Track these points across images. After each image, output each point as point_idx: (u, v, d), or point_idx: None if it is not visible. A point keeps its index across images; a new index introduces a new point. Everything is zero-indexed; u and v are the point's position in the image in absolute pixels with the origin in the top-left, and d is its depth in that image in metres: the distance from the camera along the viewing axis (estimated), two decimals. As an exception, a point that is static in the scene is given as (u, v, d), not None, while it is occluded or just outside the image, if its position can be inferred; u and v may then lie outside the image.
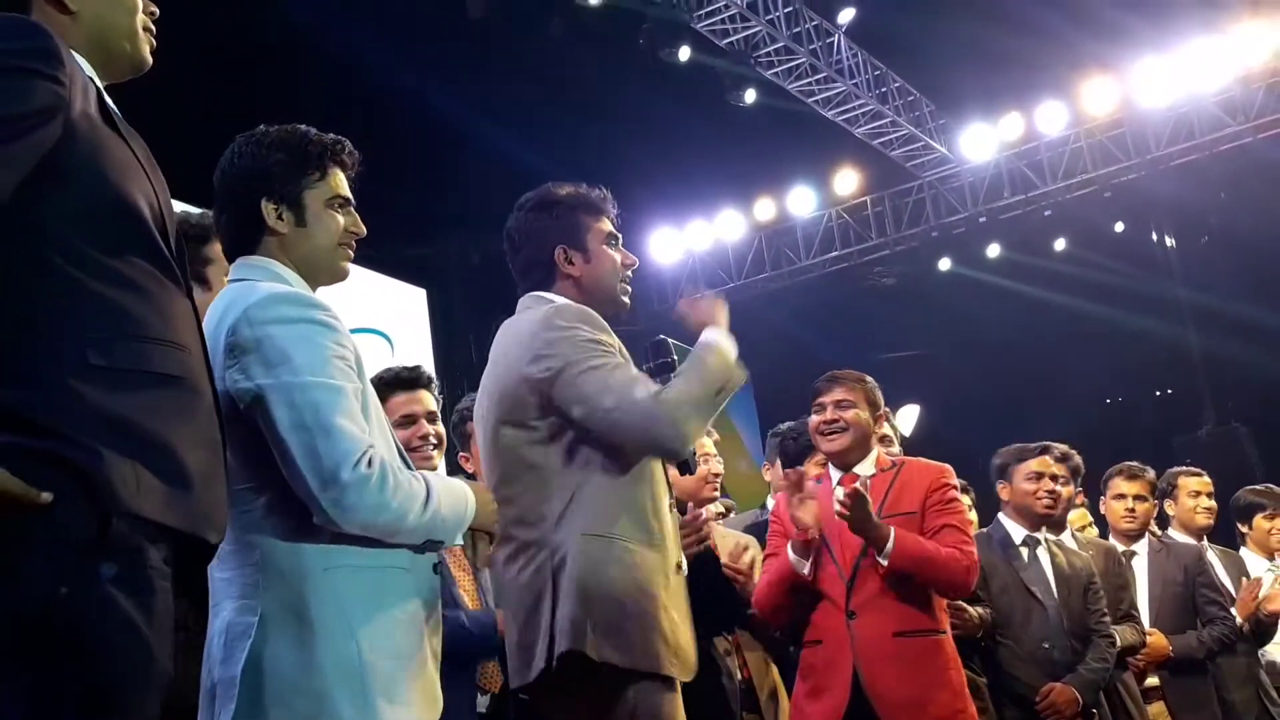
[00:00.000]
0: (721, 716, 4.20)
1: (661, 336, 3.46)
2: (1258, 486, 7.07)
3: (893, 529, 4.07)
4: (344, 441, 2.40)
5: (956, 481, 4.46)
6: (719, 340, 3.17)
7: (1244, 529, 6.97)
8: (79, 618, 1.88)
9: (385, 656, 2.44)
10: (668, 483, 3.31)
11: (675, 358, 3.37)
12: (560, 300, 3.29)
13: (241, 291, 2.56)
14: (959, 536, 4.22)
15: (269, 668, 2.37)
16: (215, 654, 2.44)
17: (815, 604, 4.22)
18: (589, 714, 3.05)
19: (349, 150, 2.77)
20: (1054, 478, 5.31)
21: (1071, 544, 5.48)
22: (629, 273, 3.40)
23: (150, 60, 2.33)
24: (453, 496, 2.56)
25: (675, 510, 3.27)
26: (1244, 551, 6.89)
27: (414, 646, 2.51)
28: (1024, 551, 5.25)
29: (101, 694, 1.91)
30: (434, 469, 3.87)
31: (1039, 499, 5.28)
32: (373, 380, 4.15)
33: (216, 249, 3.19)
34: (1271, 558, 6.84)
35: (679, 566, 3.16)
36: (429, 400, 3.97)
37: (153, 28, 2.34)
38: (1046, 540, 5.30)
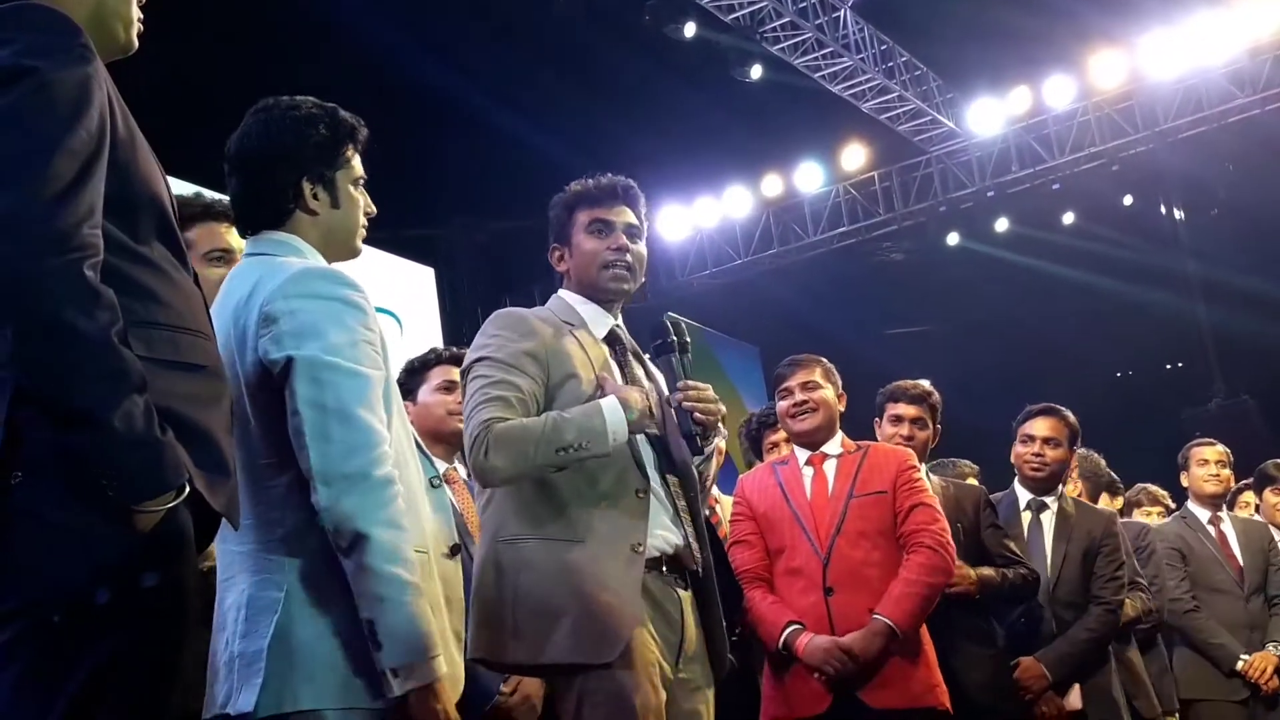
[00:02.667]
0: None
1: (666, 317, 3.44)
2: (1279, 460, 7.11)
3: (882, 619, 4.06)
4: (358, 432, 2.40)
5: (917, 464, 4.50)
6: (610, 406, 3.10)
7: (1258, 500, 7.04)
8: (148, 599, 1.95)
9: None
10: (665, 465, 3.29)
11: (675, 338, 3.33)
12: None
13: (270, 265, 2.56)
14: (930, 513, 4.29)
15: (297, 643, 2.38)
16: (234, 627, 2.44)
17: (792, 583, 4.25)
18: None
19: (365, 129, 2.78)
20: (1046, 440, 5.26)
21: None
22: None
23: (136, 45, 2.32)
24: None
25: (647, 493, 3.20)
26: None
27: (437, 626, 2.52)
28: (1026, 517, 5.24)
29: (165, 665, 1.99)
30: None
31: (1027, 463, 5.27)
32: (420, 359, 4.26)
33: (195, 234, 3.20)
34: None
35: (634, 549, 3.11)
36: None
37: (141, 15, 2.34)
38: (1060, 505, 5.25)
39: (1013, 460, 5.36)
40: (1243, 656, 6.02)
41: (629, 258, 3.38)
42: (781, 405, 4.51)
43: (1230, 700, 6.04)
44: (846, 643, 4.03)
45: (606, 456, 3.09)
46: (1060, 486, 5.34)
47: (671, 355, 3.32)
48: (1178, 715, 5.93)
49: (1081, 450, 6.26)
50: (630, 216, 3.43)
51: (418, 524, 2.51)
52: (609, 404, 3.08)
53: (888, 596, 4.11)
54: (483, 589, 3.13)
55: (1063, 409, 5.35)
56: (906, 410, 4.99)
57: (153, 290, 2.07)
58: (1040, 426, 5.28)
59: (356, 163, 2.76)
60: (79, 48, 2.02)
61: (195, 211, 3.23)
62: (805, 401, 4.42)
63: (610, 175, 3.47)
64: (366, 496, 2.37)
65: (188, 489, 1.96)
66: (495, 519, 3.19)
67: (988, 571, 4.69)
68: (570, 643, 3.01)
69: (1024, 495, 5.27)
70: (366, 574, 2.34)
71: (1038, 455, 5.24)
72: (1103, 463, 6.54)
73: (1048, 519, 5.21)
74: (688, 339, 3.37)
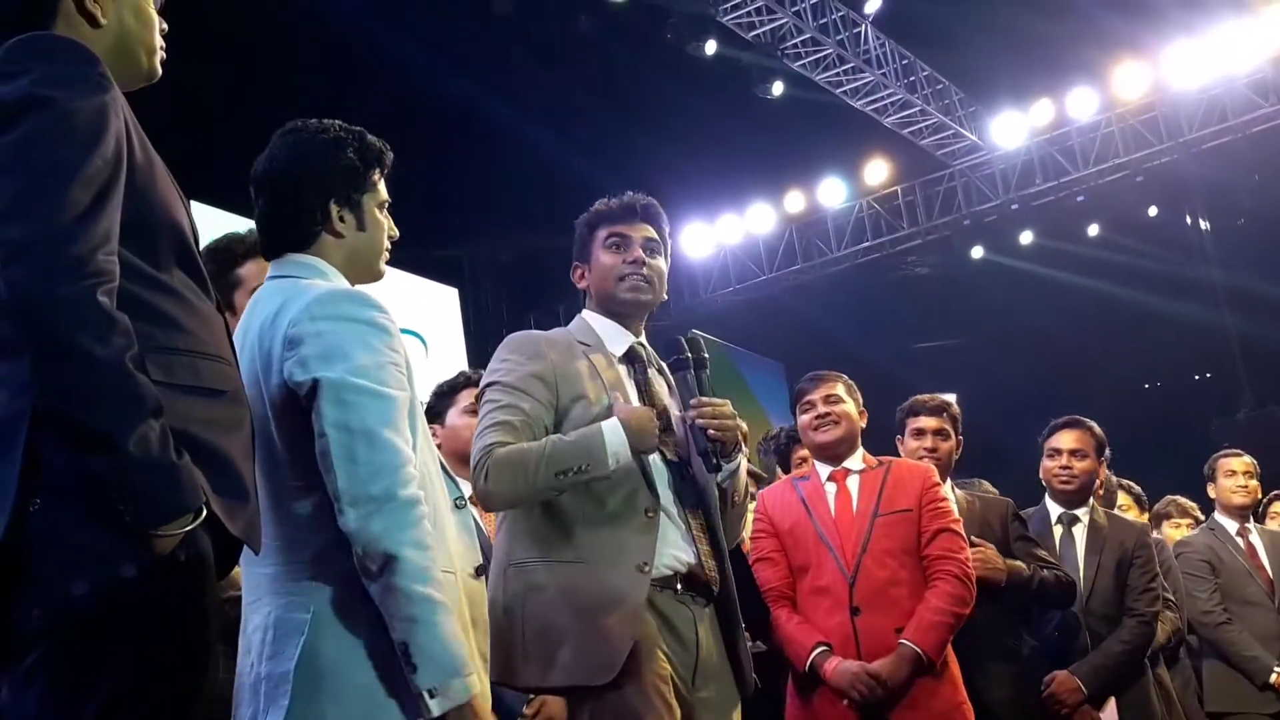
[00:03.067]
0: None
1: (686, 334, 3.43)
2: None
3: (911, 645, 4.03)
4: (384, 453, 2.39)
5: (940, 481, 4.48)
6: (611, 428, 3.09)
7: None
8: (169, 621, 1.97)
9: None
10: (679, 486, 3.28)
11: (690, 355, 3.31)
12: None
13: (296, 288, 2.56)
14: (956, 541, 4.26)
15: (325, 665, 2.38)
16: (260, 649, 2.44)
17: (818, 603, 4.22)
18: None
19: (390, 153, 2.80)
20: (1073, 453, 5.24)
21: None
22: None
23: (160, 73, 2.35)
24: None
25: (657, 513, 3.18)
26: None
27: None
28: (1058, 531, 5.19)
29: (186, 688, 2.01)
30: None
31: (1055, 476, 5.25)
32: (449, 383, 4.28)
33: (247, 270, 3.24)
34: None
35: (640, 569, 3.10)
36: None
37: (164, 43, 2.36)
38: (1092, 517, 5.20)
39: (1041, 475, 5.34)
40: (1276, 669, 5.98)
41: (645, 270, 3.38)
42: (803, 418, 4.50)
43: (1262, 714, 5.98)
44: (875, 669, 4.01)
45: (607, 479, 3.09)
46: (1091, 499, 5.30)
47: (687, 372, 3.30)
48: None
49: (1121, 482, 6.25)
50: (649, 232, 3.43)
51: (443, 544, 2.51)
52: (610, 425, 3.08)
53: (916, 623, 4.07)
54: (495, 612, 3.14)
55: (1087, 420, 5.32)
56: (928, 423, 4.98)
57: (171, 316, 2.08)
58: (1066, 439, 5.26)
59: (382, 186, 2.77)
60: (96, 76, 2.04)
61: (248, 248, 3.26)
62: (828, 414, 4.41)
63: (631, 193, 3.48)
64: (394, 517, 2.36)
65: (204, 512, 1.97)
66: (505, 543, 3.21)
67: (1017, 563, 4.64)
68: (570, 665, 3.02)
69: (1054, 509, 5.24)
70: (397, 595, 2.34)
71: (1065, 468, 5.21)
72: (1136, 488, 6.52)
73: (1079, 532, 5.17)
74: (705, 355, 3.35)
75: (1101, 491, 5.87)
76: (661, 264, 3.44)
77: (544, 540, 3.14)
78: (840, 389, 4.47)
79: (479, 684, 2.41)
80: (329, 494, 2.41)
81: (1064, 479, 5.21)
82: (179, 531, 1.92)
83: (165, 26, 2.38)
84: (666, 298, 3.52)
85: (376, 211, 2.75)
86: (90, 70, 2.04)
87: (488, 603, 3.15)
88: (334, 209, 2.67)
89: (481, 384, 3.32)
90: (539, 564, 3.12)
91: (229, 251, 3.32)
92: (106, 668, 1.91)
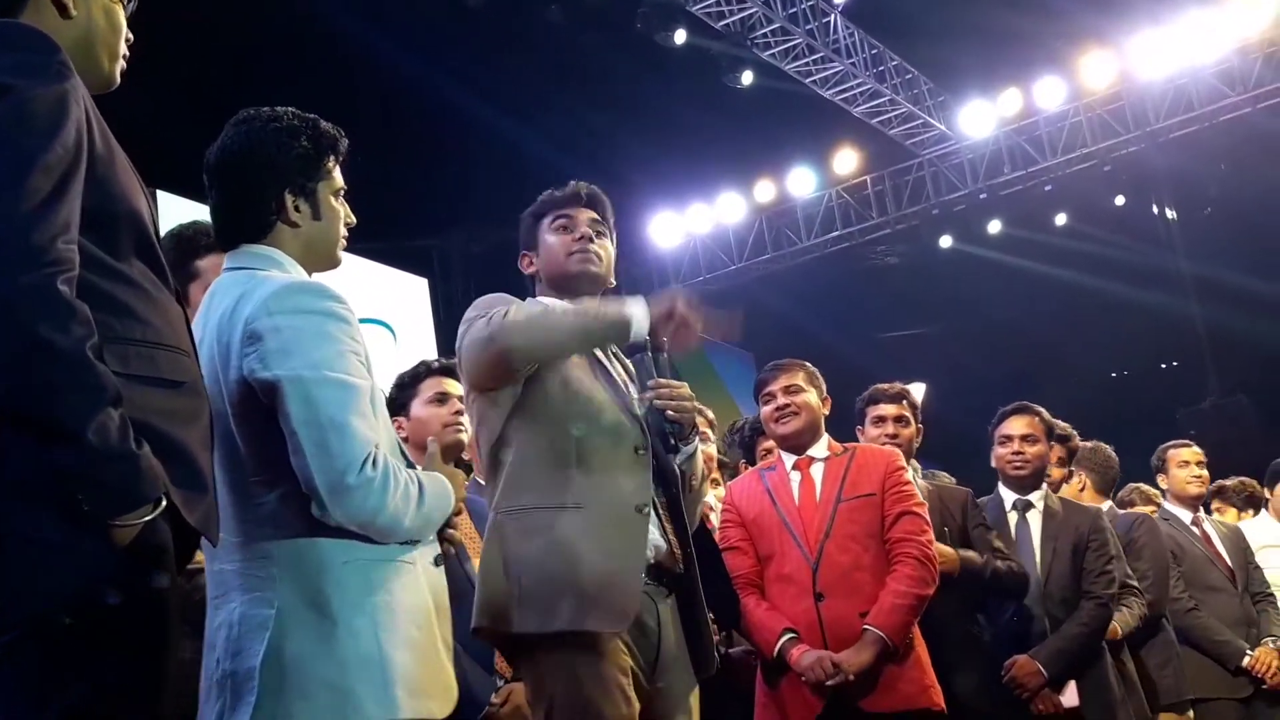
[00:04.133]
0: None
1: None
2: None
3: (874, 630, 4.06)
4: (355, 441, 2.40)
5: (905, 464, 4.49)
6: (635, 300, 3.13)
7: (1269, 494, 7.07)
8: (133, 612, 1.94)
9: (403, 648, 2.44)
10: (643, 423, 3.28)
11: (647, 338, 3.32)
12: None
13: (252, 280, 2.55)
14: (918, 523, 4.27)
15: (290, 661, 2.37)
16: (225, 645, 2.43)
17: (783, 590, 4.24)
18: (527, 676, 3.18)
19: (345, 139, 2.78)
20: (1024, 438, 5.26)
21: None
22: None
23: (118, 82, 2.34)
24: (438, 498, 2.57)
25: (647, 453, 3.21)
26: (1264, 516, 6.98)
27: (428, 637, 2.52)
28: (1013, 517, 5.23)
29: (150, 679, 1.99)
30: (463, 444, 3.95)
31: (1008, 462, 5.29)
32: (410, 372, 4.23)
33: (207, 263, 3.22)
34: None
35: (639, 509, 3.13)
36: (460, 388, 4.01)
37: (127, 52, 2.35)
38: (1046, 503, 5.24)
39: (994, 463, 5.38)
40: (1248, 652, 6.03)
41: (593, 246, 3.43)
42: (764, 410, 4.50)
43: (1233, 698, 6.03)
44: (840, 658, 4.03)
45: (626, 339, 3.11)
46: (1044, 484, 5.34)
47: (644, 354, 3.27)
48: (1191, 712, 5.90)
49: (1089, 443, 6.27)
50: (594, 216, 3.48)
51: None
52: (634, 299, 3.11)
53: (878, 608, 4.09)
54: (488, 560, 3.14)
55: (1035, 406, 5.37)
56: (887, 410, 5.02)
57: (130, 306, 2.06)
58: (1016, 425, 5.30)
59: (337, 174, 2.74)
60: (57, 65, 2.02)
61: (206, 241, 3.23)
62: (787, 405, 4.41)
63: (575, 182, 3.53)
64: (377, 496, 2.41)
65: (164, 503, 1.95)
66: (499, 491, 3.19)
67: (969, 553, 4.68)
68: (577, 610, 3.00)
69: (1009, 496, 5.28)
70: (406, 534, 2.51)
71: (1017, 454, 5.25)
72: (1114, 455, 6.53)
73: (1034, 518, 5.21)
74: (663, 337, 3.32)
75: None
76: (608, 245, 3.48)
77: (536, 486, 3.13)
78: (801, 378, 4.47)
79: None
80: (292, 489, 2.42)
81: (1016, 465, 5.25)
82: (138, 522, 1.91)
83: (131, 37, 2.37)
84: (615, 283, 3.53)
85: (332, 199, 2.72)
86: (51, 59, 2.02)
87: (482, 551, 3.19)
88: (289, 199, 2.65)
89: (461, 337, 3.26)
90: (532, 511, 3.12)
91: (192, 241, 3.29)
92: (71, 660, 1.90)
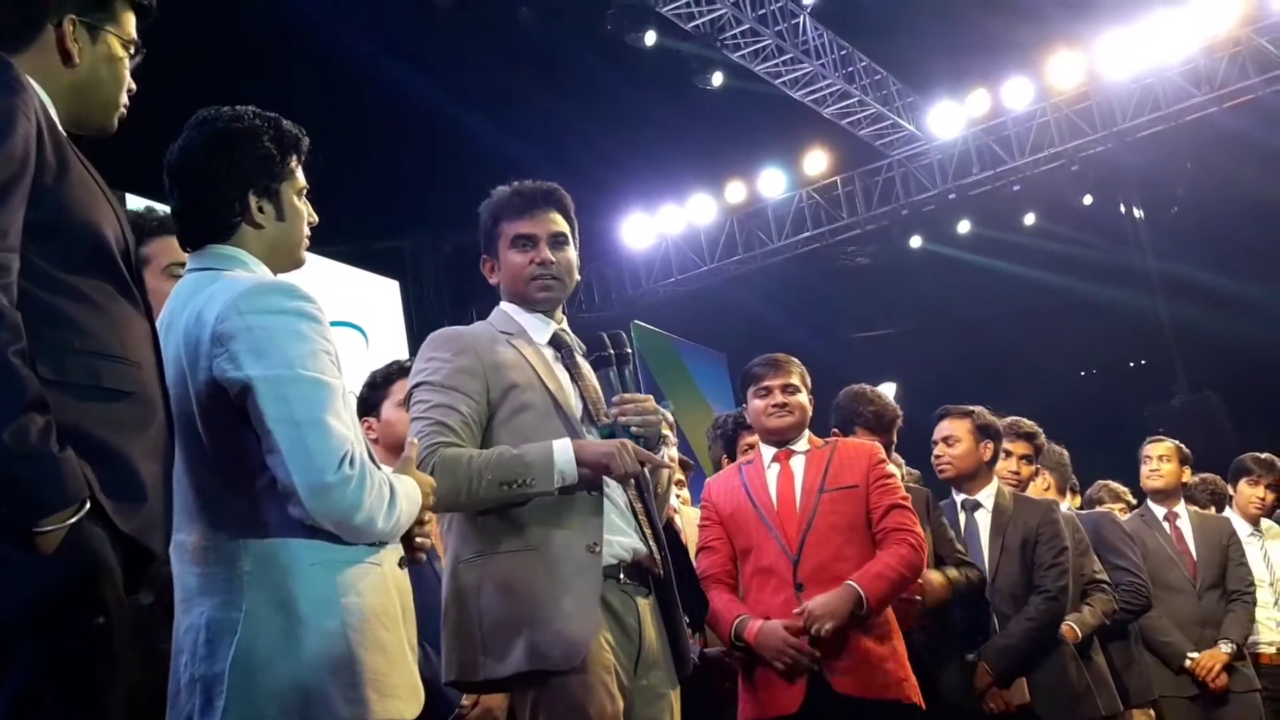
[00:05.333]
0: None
1: (610, 331, 3.44)
2: (1259, 454, 7.19)
3: (855, 585, 4.06)
4: (332, 439, 2.40)
5: (886, 458, 4.51)
6: (561, 447, 3.12)
7: (1232, 491, 7.11)
8: (64, 620, 1.92)
9: (372, 649, 2.44)
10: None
11: (613, 350, 3.33)
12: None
13: (219, 280, 2.54)
14: (910, 516, 4.28)
15: (259, 663, 2.37)
16: (192, 650, 2.42)
17: (764, 583, 4.24)
18: (516, 702, 3.21)
19: (307, 138, 2.77)
20: (945, 439, 5.37)
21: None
22: None
23: (114, 129, 2.38)
24: (409, 500, 2.57)
25: (602, 494, 3.22)
26: (1229, 513, 7.03)
27: (396, 638, 2.52)
28: (961, 517, 5.28)
29: (92, 692, 1.96)
30: None
31: (936, 466, 5.40)
32: (381, 373, 4.20)
33: (152, 248, 3.19)
34: (1255, 524, 6.96)
35: (590, 549, 3.14)
36: None
37: (128, 102, 2.39)
38: (996, 501, 5.28)
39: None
40: (1191, 655, 6.07)
41: (554, 269, 3.41)
42: (757, 403, 4.46)
43: (1180, 696, 6.08)
44: (810, 603, 4.03)
45: (551, 495, 3.10)
46: (995, 481, 5.37)
47: (609, 369, 3.32)
48: (1152, 711, 5.94)
49: (1052, 446, 6.30)
50: (556, 223, 3.45)
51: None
52: (561, 444, 3.10)
53: (863, 571, 4.10)
54: (450, 612, 3.16)
55: (964, 408, 5.43)
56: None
57: (71, 317, 2.05)
58: (941, 428, 5.41)
59: (300, 173, 2.73)
60: (6, 79, 2.04)
61: (152, 226, 3.22)
62: (785, 404, 4.40)
63: (533, 182, 3.50)
64: (356, 493, 2.40)
65: (87, 505, 1.93)
66: (454, 542, 3.22)
67: (953, 573, 4.72)
68: (530, 650, 3.03)
69: (958, 496, 5.36)
70: (380, 535, 2.50)
71: (938, 457, 5.37)
72: (1066, 455, 6.57)
73: (982, 516, 5.26)
74: (628, 350, 3.37)
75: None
76: (570, 254, 3.47)
77: (490, 533, 3.15)
78: (796, 378, 4.47)
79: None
80: (259, 491, 2.42)
81: (940, 468, 5.39)
82: (61, 526, 1.89)
83: (134, 88, 2.42)
84: (578, 285, 3.56)
85: (295, 199, 2.71)
86: (2, 75, 2.04)
87: (443, 603, 3.19)
88: (252, 200, 2.64)
89: (409, 385, 3.31)
90: (488, 557, 3.14)
91: (136, 228, 3.29)
92: (4, 675, 1.88)
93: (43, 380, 1.93)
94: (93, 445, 1.99)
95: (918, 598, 4.50)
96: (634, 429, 3.21)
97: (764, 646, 4.06)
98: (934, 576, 4.62)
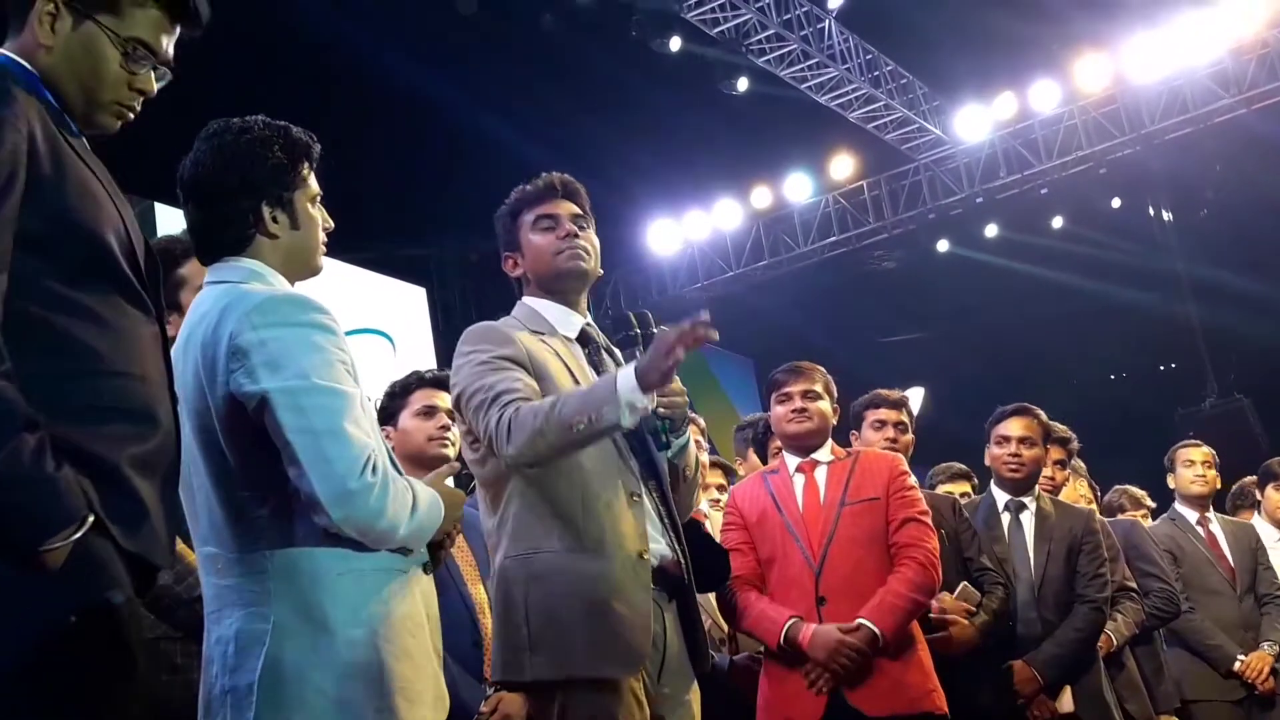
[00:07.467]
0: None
1: (633, 311, 3.44)
2: None
3: (869, 625, 4.04)
4: (352, 447, 2.40)
5: (908, 469, 4.49)
6: (625, 376, 3.02)
7: (1260, 496, 7.07)
8: (85, 638, 1.93)
9: (400, 657, 2.45)
10: (640, 469, 3.29)
11: (639, 330, 3.31)
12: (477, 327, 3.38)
13: (234, 294, 2.54)
14: (924, 530, 4.27)
15: (288, 673, 2.38)
16: (223, 661, 2.44)
17: (785, 594, 4.23)
18: (542, 715, 3.16)
19: (318, 145, 2.76)
20: (1021, 440, 5.24)
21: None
22: None
23: (115, 128, 2.31)
24: (431, 506, 2.56)
25: (642, 497, 3.22)
26: (1257, 519, 6.98)
27: (423, 646, 2.53)
28: (1005, 518, 5.21)
29: (105, 711, 1.96)
30: (448, 459, 3.90)
31: (1004, 464, 5.26)
32: (400, 383, 4.19)
33: (189, 269, 3.21)
34: None
35: (640, 555, 3.14)
36: (449, 401, 4.00)
37: (138, 106, 2.32)
38: (1039, 505, 5.22)
39: (988, 462, 5.35)
40: (1239, 657, 6.03)
41: (580, 240, 3.40)
42: (779, 410, 4.49)
43: (1227, 700, 6.04)
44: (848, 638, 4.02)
45: (619, 429, 3.04)
46: (1037, 486, 5.32)
47: (636, 348, 3.29)
48: (1176, 716, 5.91)
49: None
50: (574, 209, 3.45)
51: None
52: (624, 373, 3.00)
53: (873, 604, 4.09)
54: (497, 610, 3.16)
55: (1034, 408, 5.35)
56: (888, 415, 5.05)
57: (69, 332, 2.03)
58: (1014, 426, 5.27)
59: (313, 180, 2.73)
60: None
61: (186, 246, 3.23)
62: (804, 409, 4.42)
63: (546, 174, 3.49)
64: (380, 499, 2.41)
65: (90, 520, 1.92)
66: (501, 538, 3.20)
67: (982, 618, 4.62)
68: (591, 656, 3.02)
69: (1001, 497, 5.25)
70: (403, 540, 2.50)
71: (1014, 455, 5.22)
72: (1082, 465, 6.53)
73: (1027, 519, 5.19)
74: (653, 330, 3.32)
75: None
76: (593, 236, 3.47)
77: (541, 530, 3.14)
78: (819, 386, 4.48)
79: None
80: (284, 501, 2.43)
81: (1013, 466, 5.22)
82: (64, 543, 1.87)
83: (152, 90, 2.34)
84: (602, 272, 3.53)
85: (309, 207, 2.71)
86: None
87: (491, 603, 3.20)
88: (266, 211, 2.64)
89: (459, 383, 3.27)
90: (537, 554, 3.13)
91: (168, 252, 3.26)
92: (20, 697, 1.87)
93: (39, 399, 1.91)
94: (91, 462, 1.97)
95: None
96: (660, 410, 3.16)
97: (818, 648, 4.04)
98: (965, 632, 4.55)
